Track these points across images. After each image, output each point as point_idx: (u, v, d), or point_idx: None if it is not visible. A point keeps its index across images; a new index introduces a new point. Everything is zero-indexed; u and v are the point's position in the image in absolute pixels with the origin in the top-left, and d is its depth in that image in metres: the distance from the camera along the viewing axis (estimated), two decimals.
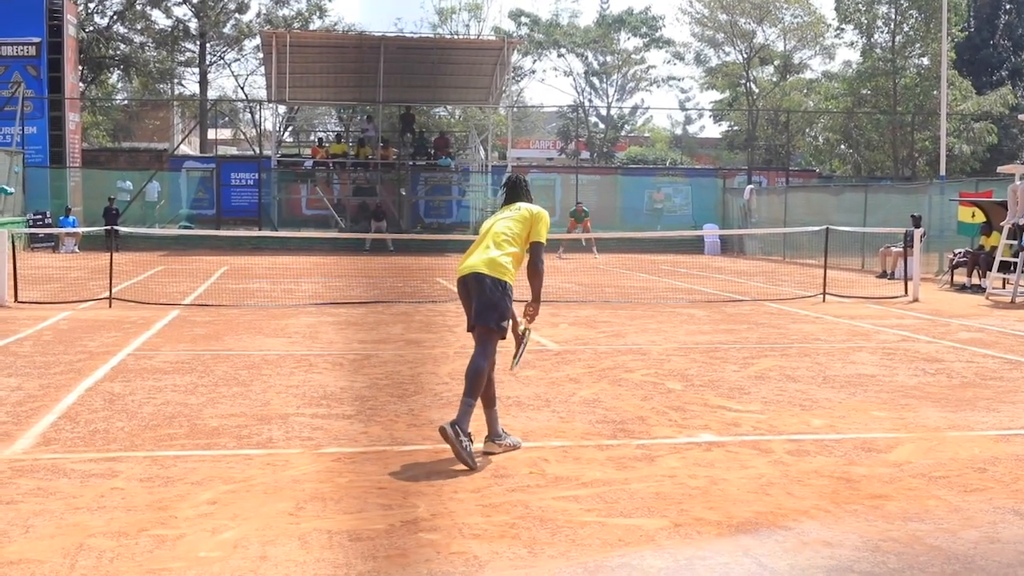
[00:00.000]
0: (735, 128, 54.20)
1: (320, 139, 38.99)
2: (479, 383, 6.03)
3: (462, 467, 5.80)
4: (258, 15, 48.69)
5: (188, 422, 6.95)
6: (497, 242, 6.23)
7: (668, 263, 26.13)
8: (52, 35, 31.83)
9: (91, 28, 43.73)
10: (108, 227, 20.71)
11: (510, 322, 6.23)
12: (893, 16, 40.54)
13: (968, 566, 4.36)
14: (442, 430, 5.88)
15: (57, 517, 4.87)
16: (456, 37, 46.79)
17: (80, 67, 38.19)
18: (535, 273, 6.32)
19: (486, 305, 6.10)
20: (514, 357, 6.42)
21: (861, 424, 7.14)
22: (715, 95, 56.14)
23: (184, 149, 44.60)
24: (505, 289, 6.14)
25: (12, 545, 4.48)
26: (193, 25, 47.01)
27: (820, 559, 4.42)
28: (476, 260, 6.20)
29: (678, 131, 66.37)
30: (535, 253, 6.31)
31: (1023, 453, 6.34)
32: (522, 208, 6.38)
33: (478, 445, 6.15)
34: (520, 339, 6.41)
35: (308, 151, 36.88)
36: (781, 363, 9.82)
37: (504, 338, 6.21)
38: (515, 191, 6.59)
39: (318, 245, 28.65)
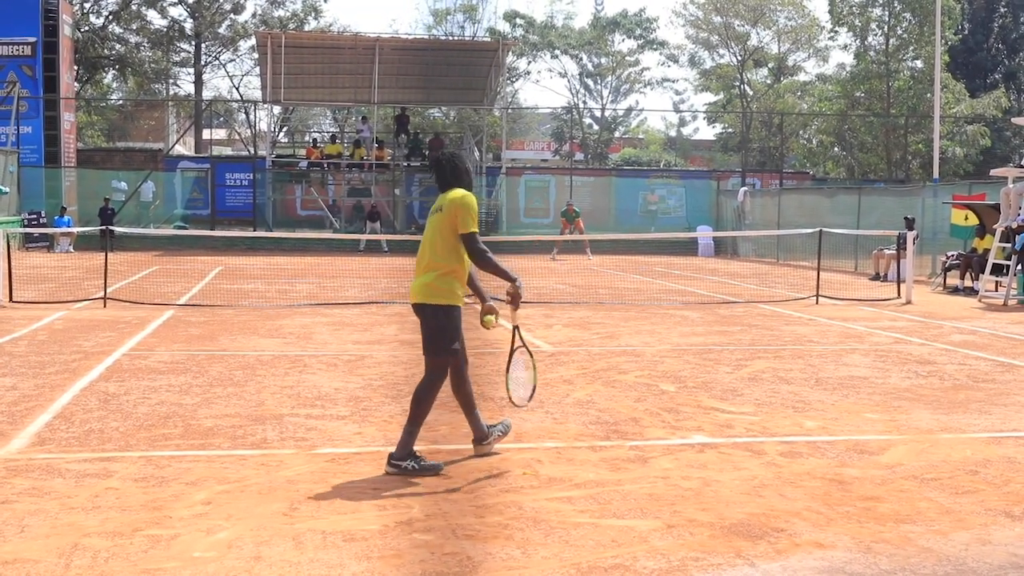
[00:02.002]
0: (729, 130, 54.31)
1: (315, 140, 39.01)
2: (423, 410, 5.82)
3: (455, 468, 5.82)
4: (253, 16, 48.76)
5: (183, 422, 6.96)
6: (431, 263, 5.80)
7: (662, 265, 26.16)
8: (48, 35, 31.81)
9: (87, 28, 43.68)
10: (103, 227, 20.76)
11: (460, 343, 5.90)
12: (887, 19, 40.65)
13: (959, 568, 4.39)
14: (388, 474, 5.71)
15: (52, 517, 4.88)
16: (451, 38, 46.83)
17: (75, 67, 38.13)
18: (484, 265, 5.79)
19: (431, 335, 5.82)
20: (507, 374, 6.16)
21: (853, 426, 7.17)
22: (709, 97, 56.34)
23: (179, 149, 44.57)
24: (448, 313, 5.79)
25: (7, 545, 4.49)
26: (188, 25, 47.00)
27: (812, 560, 4.44)
28: (416, 286, 5.84)
29: (672, 133, 66.45)
30: (470, 248, 5.75)
31: (1015, 455, 6.37)
32: (446, 203, 5.81)
33: (467, 447, 6.16)
34: (512, 349, 6.10)
35: (303, 152, 36.89)
36: (774, 365, 9.85)
37: (456, 357, 5.89)
38: (442, 176, 5.96)
39: (313, 246, 28.65)
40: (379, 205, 32.45)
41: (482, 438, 6.13)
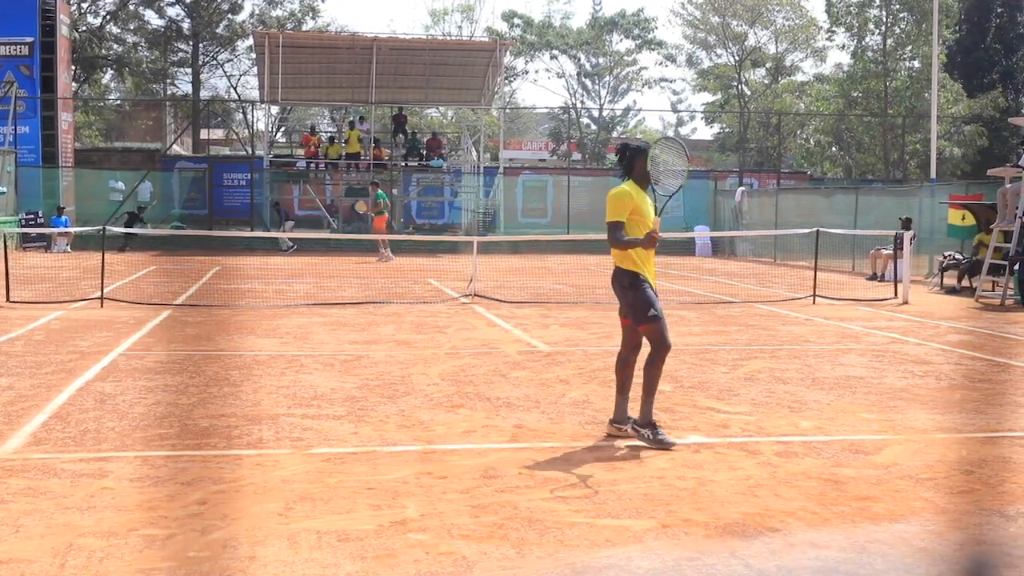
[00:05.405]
0: (727, 130, 54.32)
1: (313, 127, 38.87)
2: (654, 378, 6.58)
3: (451, 468, 5.83)
4: (251, 16, 48.69)
5: (178, 422, 6.96)
6: None
7: (659, 264, 26.02)
8: (45, 35, 31.76)
9: (84, 28, 43.65)
10: (127, 230, 23.19)
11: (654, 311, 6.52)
12: (884, 19, 40.67)
13: (954, 568, 4.39)
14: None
15: (47, 517, 4.88)
16: (449, 38, 46.85)
17: (73, 67, 38.09)
18: (618, 247, 6.62)
19: (627, 304, 6.64)
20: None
21: (849, 426, 7.17)
22: (707, 97, 56.39)
23: (177, 149, 44.50)
24: (623, 278, 6.59)
25: (2, 545, 4.49)
26: (186, 25, 46.96)
27: (807, 560, 4.45)
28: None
29: (670, 133, 66.46)
30: (608, 234, 6.58)
31: (1010, 455, 6.38)
32: None
33: (463, 447, 6.16)
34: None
35: (301, 152, 36.87)
36: (770, 365, 9.86)
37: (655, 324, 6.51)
38: (622, 162, 6.79)
39: (310, 246, 28.63)
40: (286, 203, 32.80)
41: (619, 420, 6.68)
